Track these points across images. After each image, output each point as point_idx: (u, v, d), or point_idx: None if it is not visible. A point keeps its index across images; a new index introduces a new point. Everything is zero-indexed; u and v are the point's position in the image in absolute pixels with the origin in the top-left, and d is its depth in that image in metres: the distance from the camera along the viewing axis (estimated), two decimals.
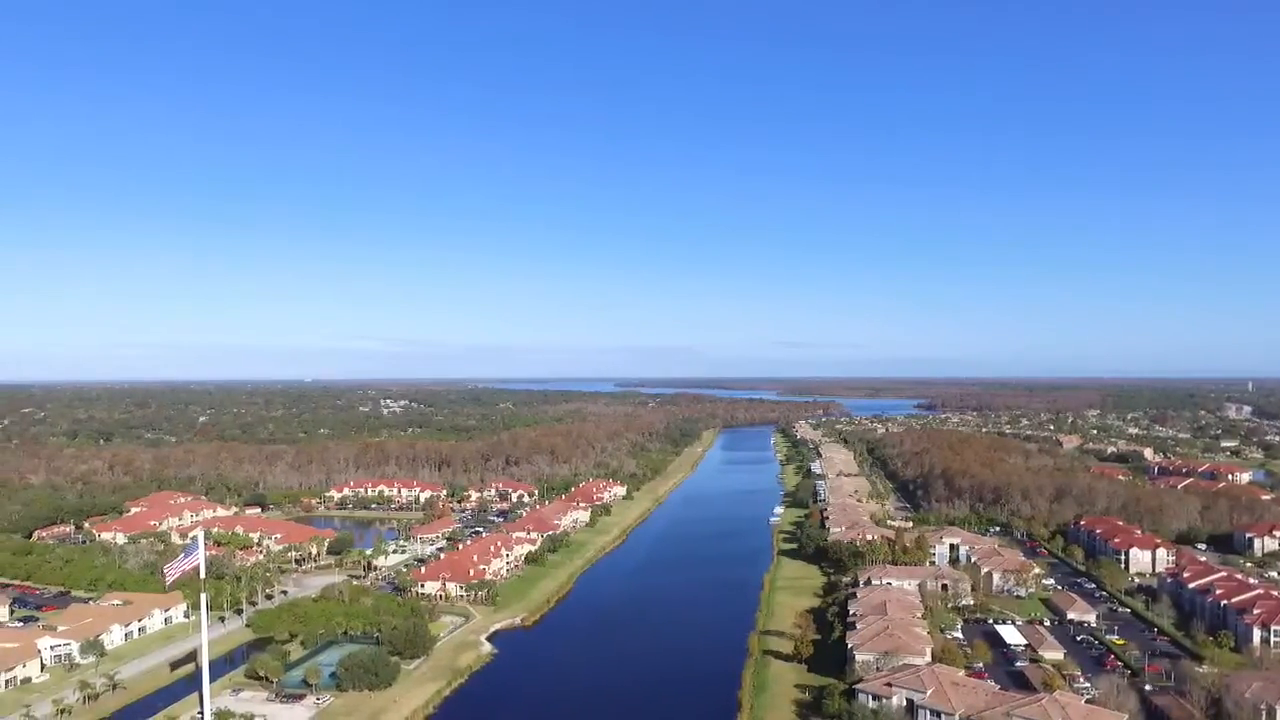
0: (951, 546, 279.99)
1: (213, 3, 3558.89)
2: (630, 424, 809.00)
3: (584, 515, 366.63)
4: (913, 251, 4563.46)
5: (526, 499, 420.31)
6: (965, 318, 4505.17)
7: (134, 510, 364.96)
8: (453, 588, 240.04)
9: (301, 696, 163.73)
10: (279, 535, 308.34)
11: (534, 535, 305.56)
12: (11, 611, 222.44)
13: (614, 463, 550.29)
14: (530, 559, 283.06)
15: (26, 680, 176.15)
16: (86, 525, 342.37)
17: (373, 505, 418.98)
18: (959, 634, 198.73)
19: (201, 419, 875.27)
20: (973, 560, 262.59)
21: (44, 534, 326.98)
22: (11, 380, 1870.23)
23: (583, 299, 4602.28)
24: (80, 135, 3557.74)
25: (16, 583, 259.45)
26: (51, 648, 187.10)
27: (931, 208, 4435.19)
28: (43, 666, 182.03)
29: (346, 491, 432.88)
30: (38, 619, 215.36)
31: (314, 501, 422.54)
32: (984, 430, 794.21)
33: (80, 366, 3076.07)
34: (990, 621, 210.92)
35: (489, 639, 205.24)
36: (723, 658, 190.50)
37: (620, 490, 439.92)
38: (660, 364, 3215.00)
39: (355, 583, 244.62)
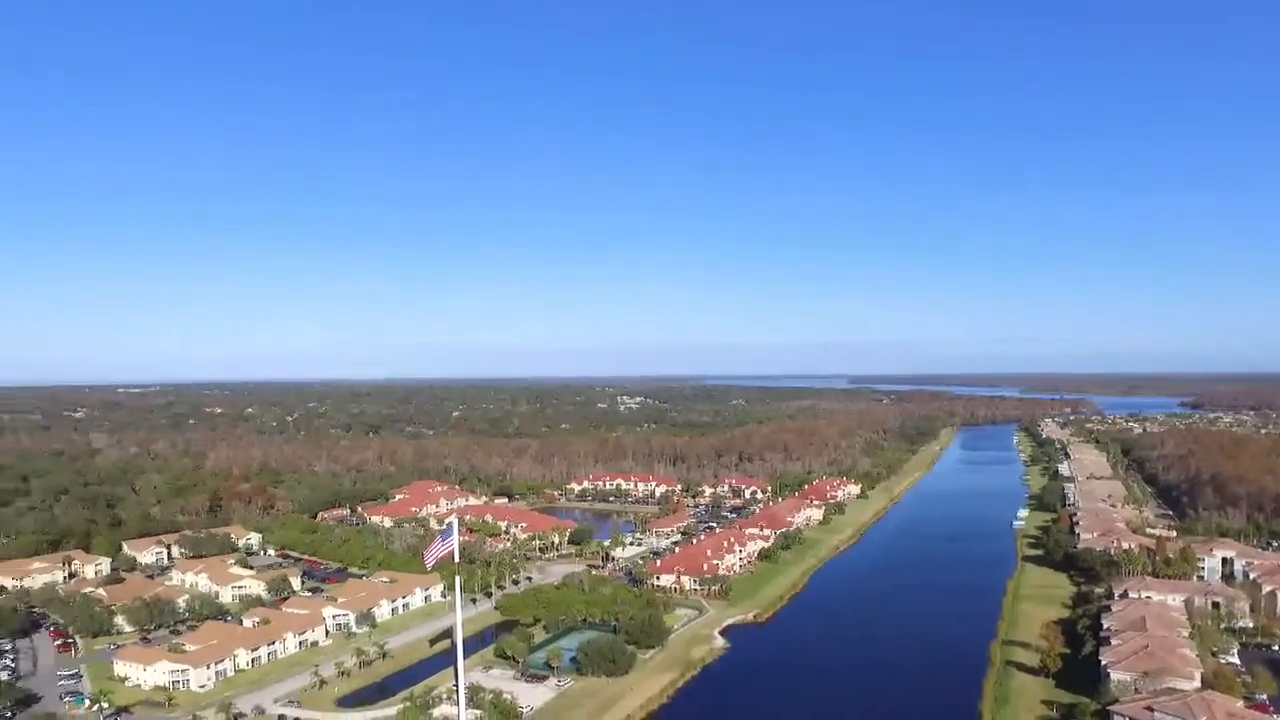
0: (1224, 560, 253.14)
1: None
2: (863, 421, 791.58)
3: (817, 513, 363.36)
4: (1176, 238, 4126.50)
5: (759, 495, 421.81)
6: (1236, 306, 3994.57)
7: (398, 497, 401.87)
8: (687, 581, 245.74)
9: (544, 678, 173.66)
10: (524, 524, 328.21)
11: (767, 532, 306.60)
12: (302, 583, 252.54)
13: (847, 460, 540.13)
14: (763, 555, 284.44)
15: (315, 644, 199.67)
16: (359, 509, 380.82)
17: (610, 498, 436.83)
18: (1234, 659, 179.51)
19: (455, 414, 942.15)
20: (1251, 577, 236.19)
21: (326, 516, 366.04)
22: (298, 378, 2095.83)
23: (808, 294, 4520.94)
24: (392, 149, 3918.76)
25: (306, 557, 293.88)
26: (333, 617, 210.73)
27: (1195, 192, 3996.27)
28: (326, 633, 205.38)
29: (586, 484, 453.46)
30: (322, 590, 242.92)
31: (556, 493, 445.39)
32: (1263, 431, 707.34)
33: (356, 366, 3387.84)
34: (1274, 648, 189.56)
35: (722, 633, 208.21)
36: (961, 666, 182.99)
37: (854, 488, 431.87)
38: (889, 360, 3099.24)
39: (594, 572, 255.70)
